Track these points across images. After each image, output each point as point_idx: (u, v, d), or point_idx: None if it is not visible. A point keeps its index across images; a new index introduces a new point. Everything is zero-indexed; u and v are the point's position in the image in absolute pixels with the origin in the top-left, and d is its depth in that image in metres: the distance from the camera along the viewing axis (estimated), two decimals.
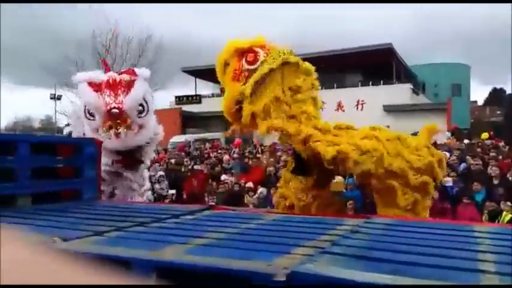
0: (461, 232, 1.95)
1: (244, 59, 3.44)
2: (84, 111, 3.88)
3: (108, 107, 3.73)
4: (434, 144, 14.51)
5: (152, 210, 2.69)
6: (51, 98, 29.41)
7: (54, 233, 1.84)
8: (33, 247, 0.39)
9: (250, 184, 8.29)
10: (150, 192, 4.33)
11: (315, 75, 3.65)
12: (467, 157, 8.11)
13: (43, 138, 3.78)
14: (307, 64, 3.58)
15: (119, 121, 3.81)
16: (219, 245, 1.71)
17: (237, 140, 15.72)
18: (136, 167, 3.90)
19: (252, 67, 3.41)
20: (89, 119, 3.85)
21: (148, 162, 4.19)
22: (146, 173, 4.18)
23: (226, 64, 3.58)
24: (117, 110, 3.75)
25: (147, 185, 4.20)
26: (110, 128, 3.75)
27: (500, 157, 8.71)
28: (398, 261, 1.39)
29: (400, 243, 1.67)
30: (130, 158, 3.85)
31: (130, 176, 3.82)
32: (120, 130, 3.79)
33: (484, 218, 5.94)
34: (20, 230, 1.90)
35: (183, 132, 29.36)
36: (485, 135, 14.19)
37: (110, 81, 3.83)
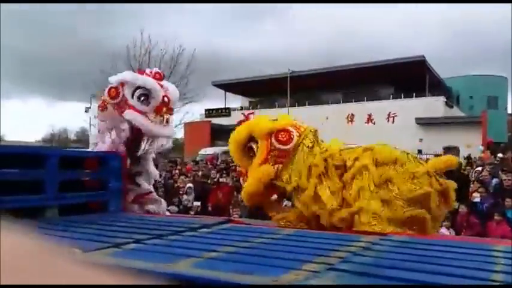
0: (478, 251, 1.91)
1: (274, 138, 3.26)
2: (133, 95, 3.71)
3: (164, 93, 3.81)
4: (469, 158, 14.14)
5: (172, 223, 2.75)
6: (86, 111, 30.50)
7: (74, 244, 1.93)
8: (34, 244, 0.39)
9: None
10: (163, 201, 4.29)
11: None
12: (500, 172, 7.86)
13: (70, 152, 3.95)
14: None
15: (169, 108, 3.87)
16: (229, 259, 1.74)
17: None
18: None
19: (285, 147, 3.24)
20: (140, 104, 3.70)
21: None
22: (144, 183, 4.16)
23: (247, 145, 3.39)
24: (168, 98, 3.85)
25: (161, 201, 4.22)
26: (163, 114, 3.77)
27: None
28: (401, 278, 1.39)
29: (410, 261, 1.66)
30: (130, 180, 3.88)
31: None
32: (169, 117, 3.84)
33: None
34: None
35: (213, 145, 29.74)
36: None
37: (156, 75, 3.91)
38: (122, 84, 3.75)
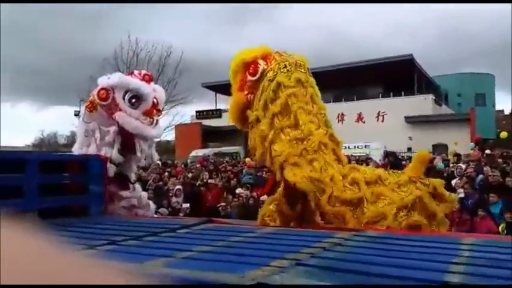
0: (445, 244, 1.96)
1: (247, 71, 3.52)
2: (123, 98, 3.75)
3: (153, 95, 3.92)
4: (457, 155, 14.30)
5: (152, 225, 2.78)
6: (76, 115, 30.32)
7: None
8: (34, 245, 0.39)
9: (265, 197, 8.34)
10: (152, 204, 4.30)
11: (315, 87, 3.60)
12: (485, 168, 7.96)
13: (51, 156, 3.94)
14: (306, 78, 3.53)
15: (158, 110, 4.01)
16: (201, 258, 1.77)
17: None
18: (128, 186, 3.93)
19: (252, 78, 3.48)
20: (131, 107, 3.76)
21: (133, 177, 4.16)
22: (139, 187, 4.21)
23: (236, 73, 3.66)
24: (157, 99, 3.97)
25: (144, 195, 4.19)
26: (152, 116, 3.87)
27: None
28: (366, 272, 1.43)
29: (377, 255, 1.70)
30: (121, 178, 3.87)
31: (128, 194, 3.84)
32: (157, 118, 3.96)
33: (501, 228, 5.78)
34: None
35: (204, 146, 29.68)
36: (504, 134, 13.81)
37: (145, 77, 4.00)
38: (113, 86, 3.75)
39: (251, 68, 3.49)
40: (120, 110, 3.72)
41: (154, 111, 3.90)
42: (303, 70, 3.54)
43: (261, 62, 3.48)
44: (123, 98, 3.74)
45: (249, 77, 3.49)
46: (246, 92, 3.52)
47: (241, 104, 3.55)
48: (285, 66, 3.44)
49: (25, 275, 0.33)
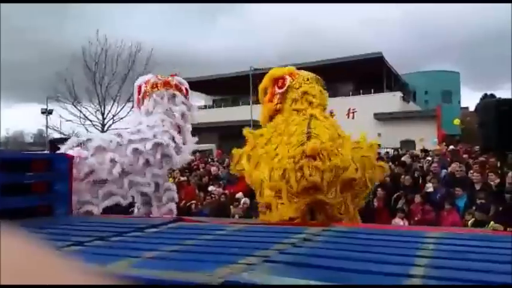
0: (412, 238, 2.00)
1: (276, 85, 4.20)
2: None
3: None
4: (425, 151, 14.67)
5: (119, 224, 2.72)
6: (42, 113, 29.45)
7: None
8: (33, 248, 0.39)
9: (240, 194, 8.31)
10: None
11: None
12: (454, 164, 8.19)
13: (13, 155, 3.81)
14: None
15: None
16: (169, 258, 1.75)
17: (218, 151, 16.34)
18: None
19: (280, 90, 4.16)
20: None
21: None
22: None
23: (266, 90, 4.36)
24: None
25: None
26: None
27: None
28: (334, 267, 1.44)
29: (345, 250, 1.72)
30: None
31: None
32: None
33: (469, 224, 5.95)
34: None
35: None
36: (457, 121, 14.47)
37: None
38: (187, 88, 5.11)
39: (280, 82, 4.18)
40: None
41: None
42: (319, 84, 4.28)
43: (287, 77, 4.17)
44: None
45: (278, 90, 4.17)
46: (275, 102, 4.17)
47: (271, 112, 4.20)
48: (308, 79, 4.18)
49: (14, 275, 0.33)
